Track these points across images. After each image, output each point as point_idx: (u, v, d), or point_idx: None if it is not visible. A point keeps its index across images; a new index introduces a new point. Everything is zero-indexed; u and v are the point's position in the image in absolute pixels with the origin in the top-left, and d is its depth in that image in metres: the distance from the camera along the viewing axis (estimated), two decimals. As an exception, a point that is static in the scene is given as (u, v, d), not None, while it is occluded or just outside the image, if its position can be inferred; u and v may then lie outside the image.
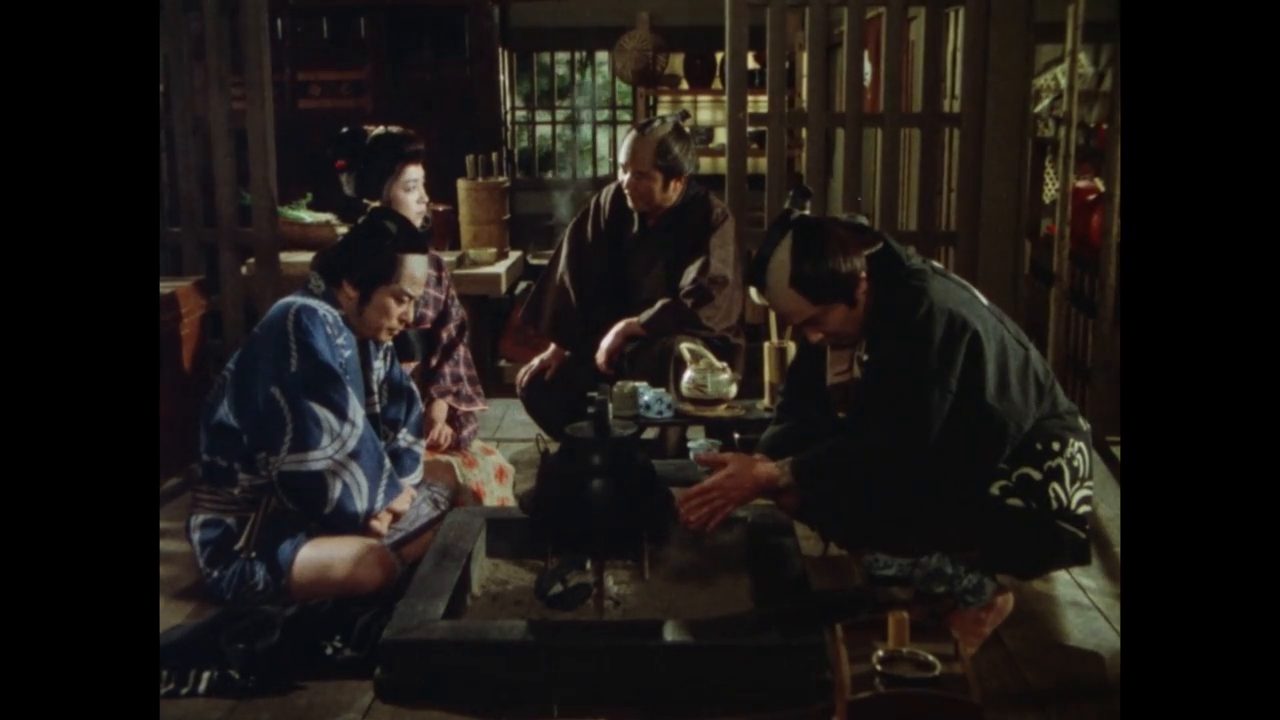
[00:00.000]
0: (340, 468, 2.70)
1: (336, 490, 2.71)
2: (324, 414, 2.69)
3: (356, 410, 2.74)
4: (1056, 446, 2.43)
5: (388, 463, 2.84)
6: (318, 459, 2.68)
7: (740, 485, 2.54)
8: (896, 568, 2.53)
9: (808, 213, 2.52)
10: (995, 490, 2.40)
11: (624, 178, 3.78)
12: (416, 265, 2.90)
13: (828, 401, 2.68)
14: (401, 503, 2.87)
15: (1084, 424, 2.54)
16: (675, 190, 3.79)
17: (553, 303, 3.98)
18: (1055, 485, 2.41)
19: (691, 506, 2.54)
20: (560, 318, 3.94)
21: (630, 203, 3.80)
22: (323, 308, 2.81)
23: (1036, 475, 2.41)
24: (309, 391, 2.69)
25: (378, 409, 3.01)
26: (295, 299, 2.82)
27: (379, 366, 3.03)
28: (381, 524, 2.83)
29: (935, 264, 2.59)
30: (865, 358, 2.51)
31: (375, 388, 3.01)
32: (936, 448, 2.35)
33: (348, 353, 2.84)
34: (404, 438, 3.08)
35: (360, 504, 2.74)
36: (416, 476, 3.07)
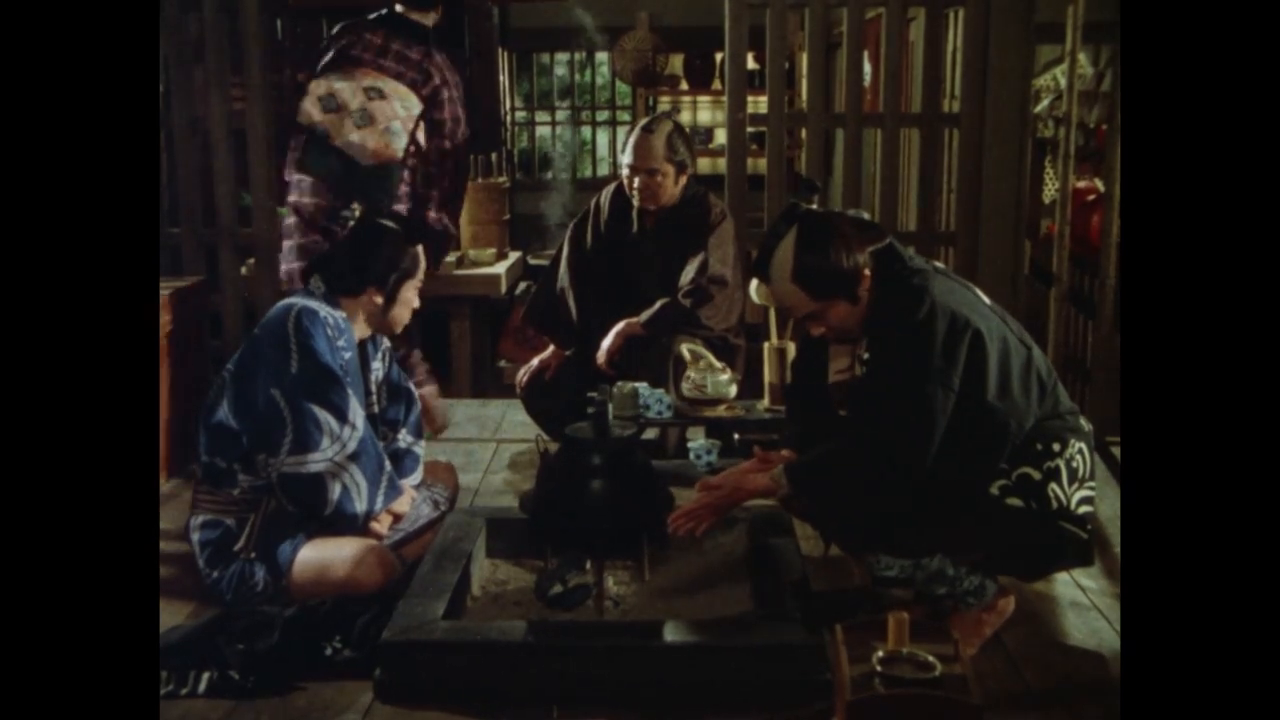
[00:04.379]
0: (340, 470, 2.70)
1: (335, 492, 2.70)
2: (324, 416, 2.69)
3: (357, 412, 2.75)
4: (1056, 447, 2.43)
5: (388, 464, 2.84)
6: (317, 461, 2.68)
7: (732, 500, 2.56)
8: (898, 569, 2.52)
9: (815, 206, 2.52)
10: (995, 490, 2.40)
11: (631, 178, 3.77)
12: (419, 255, 2.96)
13: (829, 400, 2.69)
14: (402, 504, 2.87)
15: (1085, 425, 2.53)
16: (679, 186, 3.80)
17: (553, 303, 3.98)
18: (1054, 485, 2.41)
19: (679, 525, 2.55)
20: (560, 318, 3.95)
21: (637, 202, 3.80)
22: (323, 309, 2.81)
23: (1036, 475, 2.40)
24: (309, 394, 2.69)
25: (376, 409, 3.01)
26: (296, 300, 2.82)
27: (378, 367, 3.03)
28: (382, 525, 2.83)
29: (938, 264, 2.59)
30: (866, 356, 2.51)
31: (374, 389, 3.01)
32: (938, 448, 2.35)
33: (348, 355, 2.84)
34: (404, 438, 3.08)
35: (360, 505, 2.74)
36: (416, 477, 3.07)
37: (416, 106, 3.77)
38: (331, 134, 3.63)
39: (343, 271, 2.90)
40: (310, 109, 3.67)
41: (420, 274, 2.95)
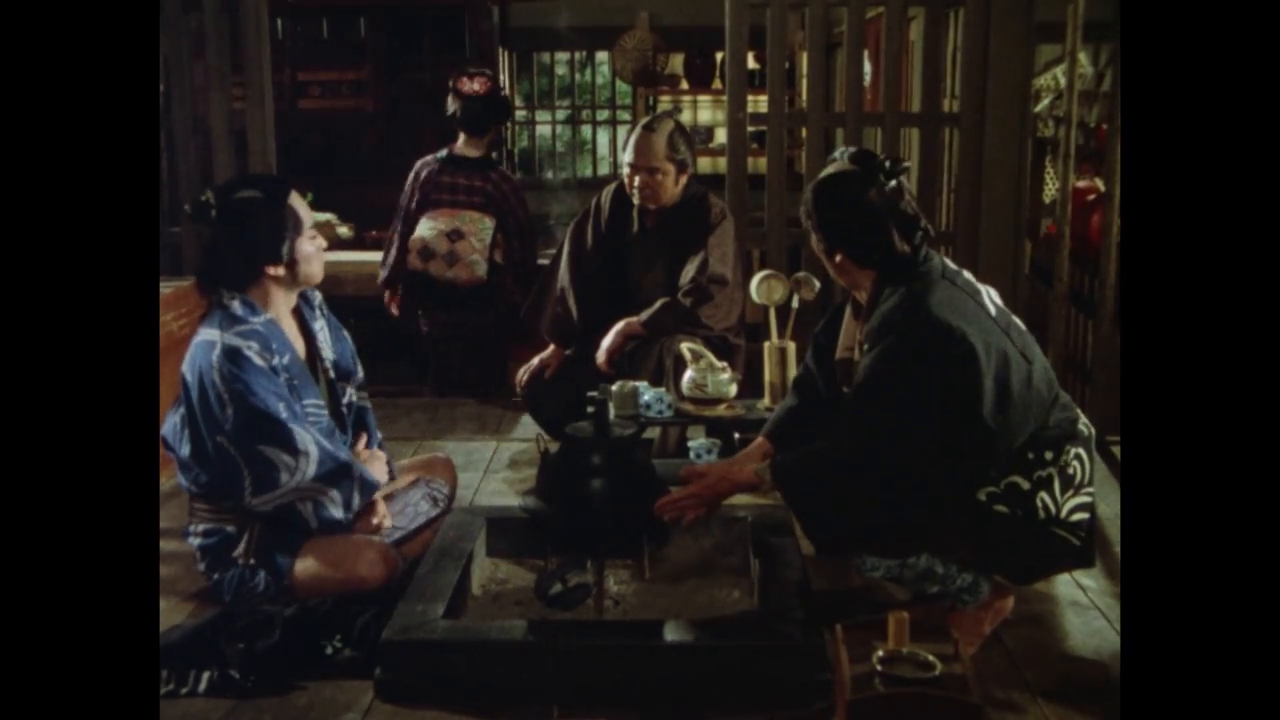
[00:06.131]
0: (307, 493, 2.67)
1: (310, 510, 2.69)
2: (274, 454, 2.62)
3: (305, 438, 2.65)
4: (1049, 455, 2.41)
5: (356, 468, 2.76)
6: (283, 495, 2.65)
7: (717, 490, 2.56)
8: (884, 570, 2.52)
9: (895, 182, 2.49)
10: (983, 496, 2.38)
11: (631, 177, 3.77)
12: (299, 201, 2.80)
13: (834, 374, 2.71)
14: (378, 470, 2.85)
15: (1086, 429, 2.51)
16: (680, 186, 3.80)
17: (553, 303, 3.98)
18: (1044, 494, 2.39)
19: (663, 510, 2.57)
20: (560, 318, 3.95)
21: (638, 201, 3.80)
22: (245, 330, 2.69)
23: (1025, 485, 2.39)
24: (253, 438, 2.62)
25: (332, 374, 2.95)
26: (214, 336, 2.67)
27: (320, 326, 2.95)
28: (380, 515, 2.82)
29: (949, 264, 2.57)
30: (866, 346, 2.51)
31: (323, 352, 2.94)
32: (923, 458, 2.34)
33: (286, 358, 2.75)
34: (353, 394, 3.03)
35: (338, 513, 2.72)
36: (378, 434, 3.07)
37: (489, 225, 4.58)
38: (434, 275, 4.57)
39: (234, 267, 2.76)
40: (413, 259, 4.59)
41: (305, 224, 2.77)
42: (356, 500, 2.76)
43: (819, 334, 2.85)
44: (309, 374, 2.84)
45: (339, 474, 2.71)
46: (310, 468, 2.65)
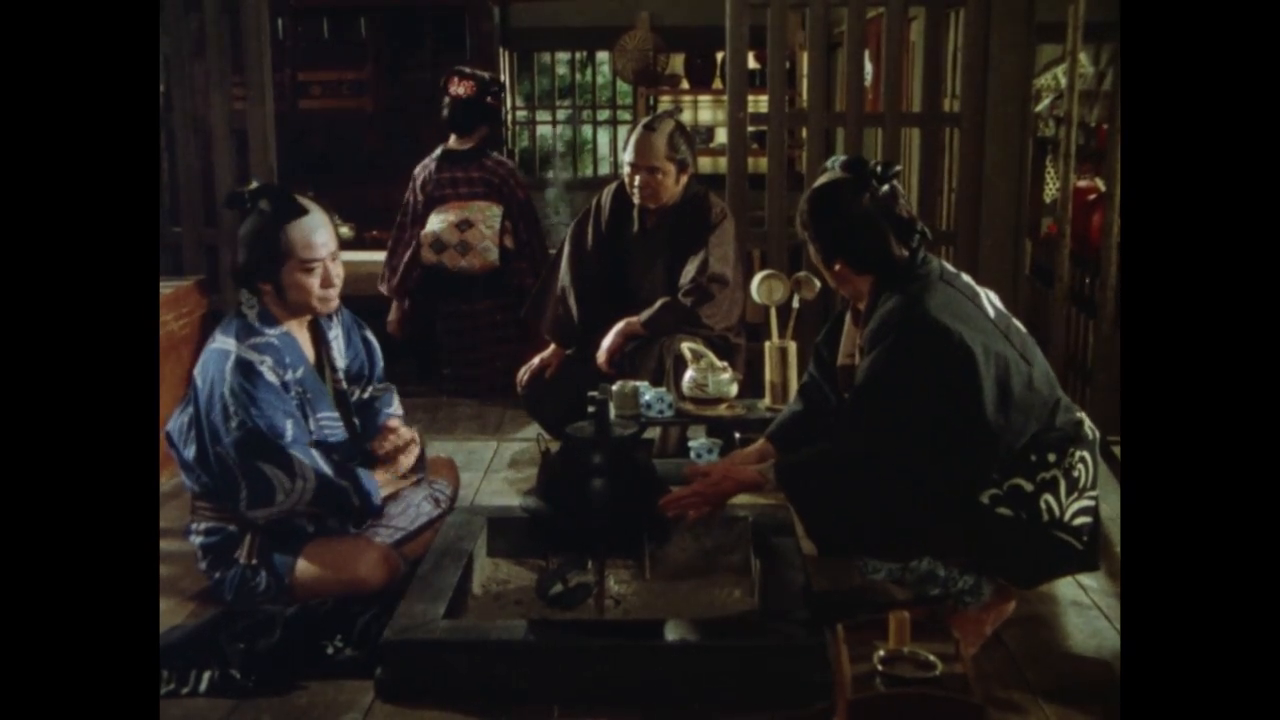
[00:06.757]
0: (303, 512, 2.69)
1: (305, 522, 2.72)
2: (273, 472, 2.62)
3: (304, 466, 2.64)
4: (1052, 458, 2.41)
5: (359, 494, 2.74)
6: (277, 512, 2.65)
7: (720, 490, 2.56)
8: (886, 572, 2.52)
9: (887, 186, 2.50)
10: (985, 499, 2.38)
11: (632, 177, 3.77)
12: (304, 231, 2.71)
13: (836, 380, 2.72)
14: (391, 484, 2.86)
15: (1091, 432, 2.51)
16: (681, 185, 3.80)
17: (554, 303, 3.98)
18: (1048, 496, 2.39)
19: (667, 507, 2.58)
20: (561, 318, 3.95)
21: (638, 200, 3.80)
22: (259, 354, 2.68)
23: (1028, 487, 2.39)
24: (253, 454, 2.62)
25: (344, 385, 2.95)
26: (230, 346, 2.68)
27: (336, 335, 2.95)
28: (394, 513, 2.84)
29: (947, 267, 2.57)
30: (865, 350, 2.51)
31: (338, 365, 2.94)
32: (923, 458, 2.34)
33: (300, 371, 2.75)
34: (374, 386, 3.05)
35: (335, 525, 2.75)
36: (397, 408, 3.08)
37: (497, 213, 4.67)
38: (448, 266, 4.64)
39: (237, 269, 2.78)
40: (426, 253, 4.66)
41: (298, 255, 2.70)
42: (353, 526, 2.78)
43: (820, 344, 2.86)
44: (322, 386, 2.84)
45: (337, 501, 2.71)
46: (307, 494, 2.65)
